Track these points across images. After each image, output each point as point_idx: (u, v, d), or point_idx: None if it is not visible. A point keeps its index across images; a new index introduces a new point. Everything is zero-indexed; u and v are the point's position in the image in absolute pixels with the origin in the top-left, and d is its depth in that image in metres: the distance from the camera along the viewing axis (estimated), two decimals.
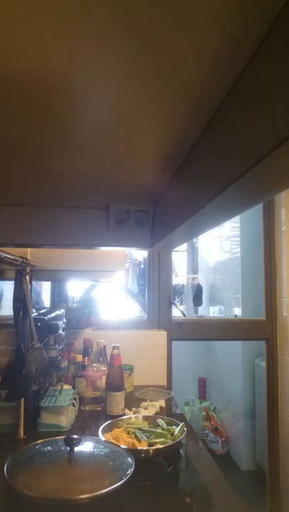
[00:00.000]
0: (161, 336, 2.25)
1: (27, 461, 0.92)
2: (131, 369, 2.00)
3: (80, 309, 2.31)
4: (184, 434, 1.25)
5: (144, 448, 1.16)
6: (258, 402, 2.81)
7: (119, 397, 1.60)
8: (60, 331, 1.66)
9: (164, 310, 2.36)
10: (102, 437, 1.19)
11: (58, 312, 1.79)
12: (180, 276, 3.92)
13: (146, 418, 1.42)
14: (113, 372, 1.64)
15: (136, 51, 0.42)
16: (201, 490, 1.07)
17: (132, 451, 0.99)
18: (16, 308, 1.21)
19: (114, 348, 1.67)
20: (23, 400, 1.36)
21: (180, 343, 2.36)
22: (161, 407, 1.69)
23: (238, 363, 2.95)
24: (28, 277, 1.29)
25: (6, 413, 1.41)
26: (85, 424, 1.55)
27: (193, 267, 3.98)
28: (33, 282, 1.47)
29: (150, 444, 1.20)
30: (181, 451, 1.29)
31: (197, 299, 3.59)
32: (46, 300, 2.59)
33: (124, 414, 1.56)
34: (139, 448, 1.16)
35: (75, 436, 0.94)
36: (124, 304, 3.07)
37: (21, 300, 1.23)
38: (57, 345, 1.54)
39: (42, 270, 1.46)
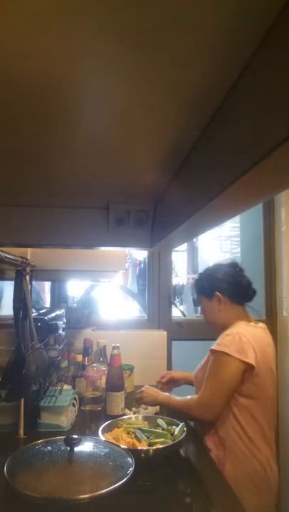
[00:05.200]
0: (161, 336, 2.25)
1: (27, 461, 0.92)
2: (131, 369, 2.00)
3: (80, 309, 2.31)
4: (183, 434, 1.25)
5: (144, 448, 1.16)
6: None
7: (119, 397, 1.60)
8: (60, 331, 1.65)
9: (164, 310, 2.36)
10: (102, 437, 1.19)
11: (58, 312, 1.79)
12: (180, 276, 3.92)
13: (146, 418, 1.42)
14: (113, 372, 1.64)
15: (136, 52, 0.42)
16: (201, 490, 1.07)
17: (132, 451, 0.99)
18: (16, 308, 1.21)
19: (114, 348, 1.67)
20: (23, 400, 1.36)
21: (180, 343, 2.36)
22: (161, 407, 1.69)
23: None
24: (28, 277, 1.29)
25: (6, 413, 1.41)
26: (85, 424, 1.55)
27: (193, 267, 3.98)
28: (33, 282, 1.47)
29: (150, 444, 1.20)
30: (181, 451, 1.29)
31: None
32: (46, 300, 2.59)
33: (124, 414, 1.56)
34: (139, 448, 1.16)
35: (75, 436, 0.94)
36: (124, 303, 3.07)
37: (21, 300, 1.23)
38: (57, 345, 1.54)
39: (42, 270, 1.46)
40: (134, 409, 1.62)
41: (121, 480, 0.83)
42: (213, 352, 1.38)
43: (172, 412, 1.47)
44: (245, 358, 1.30)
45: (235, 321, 1.47)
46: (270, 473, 1.34)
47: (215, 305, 1.50)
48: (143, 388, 1.56)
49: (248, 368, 1.31)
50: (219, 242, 3.73)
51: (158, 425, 1.36)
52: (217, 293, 1.49)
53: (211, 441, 1.38)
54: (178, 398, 1.47)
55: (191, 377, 1.70)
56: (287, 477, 2.15)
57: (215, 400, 1.33)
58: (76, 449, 0.92)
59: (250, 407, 1.35)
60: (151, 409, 1.63)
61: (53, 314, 1.65)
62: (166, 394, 1.52)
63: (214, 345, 1.40)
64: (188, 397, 1.44)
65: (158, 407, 1.66)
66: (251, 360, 1.30)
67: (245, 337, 1.35)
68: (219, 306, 1.50)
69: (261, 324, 1.51)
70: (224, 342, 1.36)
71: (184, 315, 2.55)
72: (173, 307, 2.38)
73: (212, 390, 1.34)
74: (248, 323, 1.47)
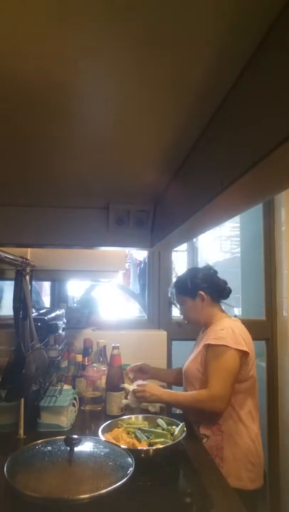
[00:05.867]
0: (161, 335, 2.25)
1: (27, 461, 0.92)
2: None
3: (80, 309, 2.31)
4: (183, 434, 1.25)
5: (144, 448, 1.16)
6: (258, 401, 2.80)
7: (118, 397, 1.60)
8: (60, 331, 1.65)
9: (164, 310, 2.36)
10: (102, 437, 1.19)
11: (58, 312, 1.79)
12: None
13: (146, 418, 1.42)
14: (113, 372, 1.64)
15: (136, 52, 0.42)
16: (201, 490, 1.07)
17: (132, 451, 0.99)
18: (16, 308, 1.21)
19: (114, 348, 1.67)
20: (23, 400, 1.36)
21: (180, 343, 2.36)
22: (161, 407, 1.69)
23: None
24: (28, 277, 1.29)
25: (6, 413, 1.41)
26: (85, 424, 1.54)
27: None
28: (33, 282, 1.47)
29: (150, 444, 1.20)
30: (181, 451, 1.29)
31: None
32: (46, 300, 2.58)
33: (124, 414, 1.56)
34: (139, 448, 1.16)
35: (75, 436, 0.94)
36: (124, 304, 3.07)
37: (21, 300, 1.23)
38: (57, 345, 1.54)
39: (42, 270, 1.46)
40: (125, 385, 1.61)
41: (121, 480, 0.83)
42: (211, 346, 1.47)
43: (180, 407, 1.48)
44: (241, 347, 1.44)
45: (217, 316, 1.61)
46: (258, 447, 1.48)
47: (198, 304, 1.63)
48: (144, 383, 1.55)
49: (244, 356, 1.45)
50: (219, 242, 3.73)
51: (158, 425, 1.36)
52: (201, 292, 1.62)
53: (208, 428, 1.47)
54: (184, 393, 1.54)
55: (162, 375, 1.82)
56: (287, 476, 2.16)
57: (226, 390, 1.41)
58: (76, 449, 0.92)
59: (241, 391, 1.47)
60: (151, 409, 1.63)
61: (53, 314, 1.65)
62: (168, 391, 1.55)
63: (211, 340, 1.48)
64: (194, 392, 1.50)
65: (158, 407, 1.66)
66: (246, 348, 1.44)
67: (237, 329, 1.49)
68: (202, 305, 1.62)
69: (238, 319, 1.65)
70: (221, 336, 1.47)
71: None
72: (173, 307, 2.38)
73: (221, 382, 1.41)
74: (229, 318, 1.62)
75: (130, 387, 1.55)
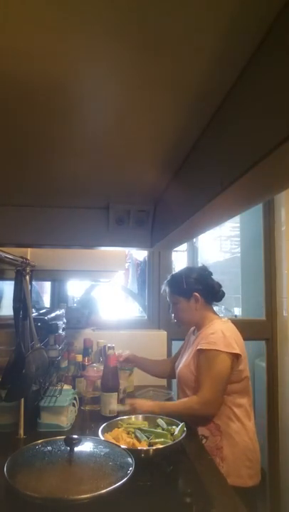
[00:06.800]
0: (161, 336, 2.25)
1: (27, 461, 0.92)
2: (131, 369, 1.99)
3: (80, 309, 2.31)
4: (183, 434, 1.25)
5: (144, 448, 1.16)
6: (258, 402, 2.80)
7: (112, 398, 1.58)
8: (60, 331, 1.65)
9: (164, 310, 2.36)
10: (102, 437, 1.19)
11: (58, 312, 1.79)
12: None
13: (146, 418, 1.42)
14: (107, 372, 1.62)
15: (136, 52, 0.42)
16: (201, 490, 1.07)
17: (132, 451, 0.99)
18: (16, 308, 1.21)
19: (109, 348, 1.66)
20: (23, 400, 1.36)
21: (180, 342, 2.36)
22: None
23: None
24: (28, 277, 1.29)
25: (6, 413, 1.41)
26: (85, 424, 1.54)
27: None
28: (33, 282, 1.47)
29: (150, 444, 1.20)
30: (181, 451, 1.29)
31: None
32: (46, 300, 2.59)
33: (118, 415, 1.55)
34: (139, 448, 1.16)
35: (75, 436, 0.94)
36: (124, 304, 3.07)
37: (21, 300, 1.23)
38: (57, 345, 1.54)
39: (42, 270, 1.46)
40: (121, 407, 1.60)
41: (121, 480, 0.83)
42: (203, 351, 1.48)
43: (172, 416, 1.45)
44: (233, 350, 1.45)
45: (208, 319, 1.62)
46: (255, 444, 1.51)
47: (192, 305, 1.63)
48: (133, 402, 1.55)
49: (235, 358, 1.46)
50: (219, 242, 3.73)
51: (158, 425, 1.36)
52: (196, 293, 1.62)
53: (207, 429, 1.49)
54: (174, 403, 1.55)
55: (149, 365, 1.85)
56: (287, 476, 2.16)
57: (217, 395, 1.44)
58: (76, 449, 0.92)
59: (237, 391, 1.49)
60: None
61: (53, 314, 1.65)
62: (158, 403, 1.54)
63: (202, 345, 1.49)
64: (185, 399, 1.51)
65: None
66: (238, 350, 1.46)
67: (227, 332, 1.50)
68: (196, 306, 1.62)
69: (228, 319, 1.65)
70: (211, 340, 1.48)
71: None
72: None
73: (212, 387, 1.43)
74: (220, 320, 1.62)
75: (120, 407, 1.56)
